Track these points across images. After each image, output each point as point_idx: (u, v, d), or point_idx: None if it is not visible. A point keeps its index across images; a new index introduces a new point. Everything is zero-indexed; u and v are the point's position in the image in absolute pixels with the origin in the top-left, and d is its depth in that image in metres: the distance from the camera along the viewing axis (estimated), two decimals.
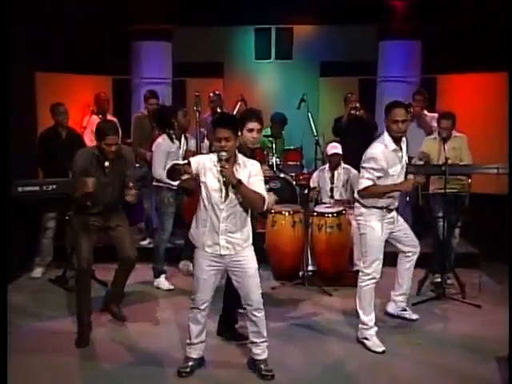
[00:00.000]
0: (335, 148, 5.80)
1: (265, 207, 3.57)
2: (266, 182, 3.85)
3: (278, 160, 6.52)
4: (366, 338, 4.12)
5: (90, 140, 5.85)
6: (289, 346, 4.13)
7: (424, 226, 5.66)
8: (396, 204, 4.20)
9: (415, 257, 4.46)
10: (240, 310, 4.17)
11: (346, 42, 7.96)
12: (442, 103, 7.10)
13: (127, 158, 4.30)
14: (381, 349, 4.03)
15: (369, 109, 6.95)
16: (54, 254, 5.79)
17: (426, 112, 6.27)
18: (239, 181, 3.38)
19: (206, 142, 6.44)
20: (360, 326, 4.17)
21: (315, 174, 6.06)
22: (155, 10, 7.54)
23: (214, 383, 3.69)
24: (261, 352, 3.69)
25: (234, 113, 6.39)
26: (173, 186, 5.27)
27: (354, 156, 4.29)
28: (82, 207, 4.21)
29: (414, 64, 7.64)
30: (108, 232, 4.35)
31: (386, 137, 4.09)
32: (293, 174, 6.44)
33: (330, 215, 5.54)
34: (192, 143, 5.65)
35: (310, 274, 5.57)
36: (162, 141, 5.27)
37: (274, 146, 6.59)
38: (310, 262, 5.62)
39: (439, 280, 5.19)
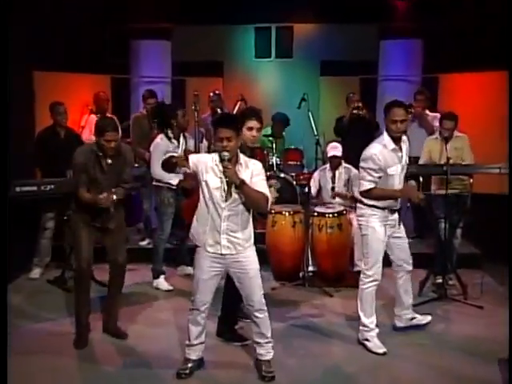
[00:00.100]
0: (335, 149, 5.79)
1: (268, 207, 3.57)
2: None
3: (278, 160, 6.52)
4: (367, 340, 4.11)
5: (88, 139, 5.83)
6: (289, 347, 4.12)
7: (425, 226, 5.66)
8: (398, 205, 4.18)
9: (405, 273, 4.30)
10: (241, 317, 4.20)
11: (347, 41, 7.96)
12: (443, 102, 7.11)
13: (126, 156, 4.28)
14: (382, 350, 4.02)
15: (370, 108, 6.95)
16: (53, 255, 5.79)
17: (427, 112, 6.27)
18: (242, 181, 3.38)
19: (205, 142, 6.43)
20: (361, 327, 4.17)
21: (316, 174, 6.05)
22: (155, 8, 7.55)
23: None
24: (265, 352, 3.69)
25: (234, 112, 6.39)
26: (173, 185, 5.27)
27: (355, 156, 4.29)
28: (82, 208, 4.19)
29: (415, 63, 7.65)
30: (105, 233, 4.32)
31: (386, 137, 4.08)
32: (293, 174, 6.45)
33: (330, 215, 5.54)
34: (191, 143, 5.65)
35: (311, 274, 5.57)
36: (160, 141, 5.26)
37: (274, 145, 6.59)
38: (310, 262, 5.61)
39: (441, 281, 5.18)
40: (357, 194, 4.32)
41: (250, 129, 3.88)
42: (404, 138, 4.17)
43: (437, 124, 5.51)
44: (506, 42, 5.90)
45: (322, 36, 8.28)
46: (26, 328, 4.42)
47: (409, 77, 7.61)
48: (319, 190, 5.99)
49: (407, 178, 4.35)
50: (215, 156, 3.48)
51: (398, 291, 4.38)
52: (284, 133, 7.12)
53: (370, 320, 4.13)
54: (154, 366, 3.83)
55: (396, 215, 4.19)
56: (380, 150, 4.03)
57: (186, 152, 5.33)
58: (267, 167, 5.88)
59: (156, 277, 5.40)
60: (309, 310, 4.93)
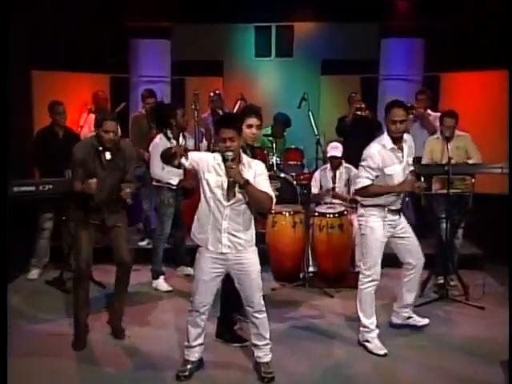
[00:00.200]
0: (335, 150, 5.79)
1: (273, 206, 3.57)
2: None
3: (278, 160, 6.52)
4: (368, 341, 4.11)
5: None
6: (289, 349, 4.12)
7: (426, 226, 5.65)
8: (398, 205, 4.17)
9: (415, 271, 4.29)
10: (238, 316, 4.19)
11: (348, 40, 7.96)
12: (445, 102, 7.11)
13: (126, 152, 4.24)
14: (383, 351, 4.02)
15: (370, 107, 6.93)
16: (51, 255, 5.79)
17: (429, 111, 6.26)
18: (247, 181, 3.38)
19: (205, 141, 6.43)
20: (361, 328, 4.17)
21: (317, 174, 6.05)
22: (154, 7, 7.54)
23: None
24: (263, 355, 3.69)
25: (234, 112, 6.39)
26: (173, 185, 5.27)
27: (357, 156, 4.29)
28: (81, 205, 4.18)
29: (416, 62, 7.65)
30: (106, 232, 4.32)
31: (385, 136, 4.10)
32: (293, 174, 6.44)
33: (331, 215, 5.54)
34: (190, 143, 5.65)
35: (311, 275, 5.56)
36: (159, 141, 5.26)
37: (273, 145, 6.58)
38: (310, 263, 5.61)
39: (442, 281, 5.18)
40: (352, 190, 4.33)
41: (250, 126, 3.88)
42: (406, 137, 4.17)
43: (438, 124, 5.50)
44: (505, 41, 5.89)
45: (322, 35, 8.28)
46: (24, 329, 4.42)
47: (410, 76, 7.61)
48: (320, 190, 5.99)
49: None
50: (217, 155, 3.48)
51: (401, 288, 4.40)
52: (285, 133, 7.11)
53: (370, 321, 4.13)
54: (153, 367, 3.83)
55: (397, 216, 4.18)
56: (378, 149, 4.05)
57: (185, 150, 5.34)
58: (267, 167, 5.87)
59: (155, 277, 5.40)
60: (309, 310, 4.93)
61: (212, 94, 6.89)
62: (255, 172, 3.50)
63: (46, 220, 5.62)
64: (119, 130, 4.18)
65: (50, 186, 5.01)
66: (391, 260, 4.38)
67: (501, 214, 5.33)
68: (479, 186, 5.16)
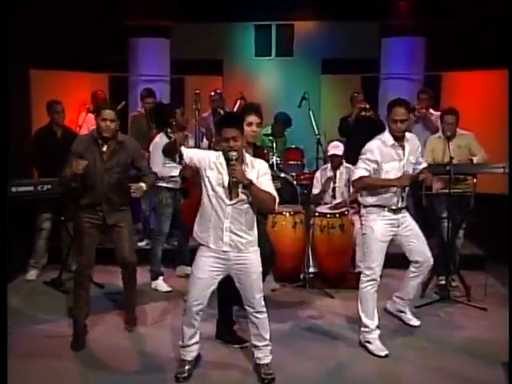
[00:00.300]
0: (336, 148, 5.79)
1: (276, 207, 3.56)
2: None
3: (278, 159, 6.51)
4: (369, 342, 4.11)
5: None
6: (289, 350, 4.11)
7: (428, 226, 5.65)
8: (399, 204, 4.15)
9: (421, 269, 4.32)
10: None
11: (349, 39, 7.96)
12: (446, 101, 7.10)
13: (128, 147, 4.22)
14: (384, 353, 4.02)
15: (372, 107, 6.94)
16: (50, 256, 5.78)
17: (431, 111, 6.26)
18: (250, 181, 3.38)
19: (205, 141, 6.43)
20: (362, 329, 4.16)
21: (318, 174, 6.04)
22: (154, 5, 7.54)
23: None
24: (263, 356, 3.69)
25: (234, 111, 6.39)
26: (174, 176, 5.27)
27: (359, 156, 4.31)
28: (82, 203, 4.17)
29: (417, 61, 7.65)
30: (108, 233, 4.30)
31: (386, 133, 4.12)
32: (293, 174, 6.43)
33: (332, 216, 5.53)
34: (191, 142, 5.65)
35: (312, 275, 5.56)
36: (160, 139, 5.25)
37: (274, 144, 6.58)
38: (311, 263, 5.60)
39: (444, 282, 5.18)
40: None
41: (250, 124, 3.88)
42: (409, 136, 4.17)
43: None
44: (506, 40, 5.89)
45: (323, 34, 8.28)
46: (23, 330, 4.40)
47: (411, 75, 7.61)
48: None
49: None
50: (219, 154, 3.49)
51: (405, 282, 4.44)
52: (286, 133, 7.11)
53: (370, 321, 4.13)
54: (152, 368, 3.83)
55: (399, 215, 4.16)
56: (378, 144, 4.09)
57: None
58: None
59: (154, 278, 5.40)
60: (309, 311, 4.92)
61: (213, 93, 6.89)
62: (258, 172, 3.50)
63: (45, 220, 5.62)
64: (118, 120, 4.15)
65: (49, 186, 5.02)
66: (394, 260, 4.38)
67: (503, 214, 5.33)
68: (481, 186, 5.15)
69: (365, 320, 4.14)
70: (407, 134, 4.18)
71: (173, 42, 7.98)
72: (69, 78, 7.22)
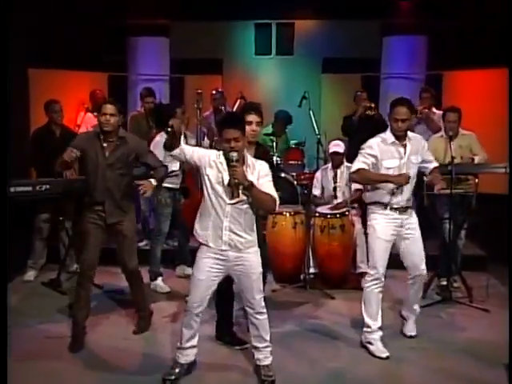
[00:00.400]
0: (337, 146, 5.79)
1: (276, 208, 3.56)
2: None
3: (278, 159, 6.50)
4: (370, 343, 4.09)
5: None
6: (290, 351, 4.11)
7: (429, 227, 5.64)
8: (403, 203, 4.12)
9: (414, 280, 4.21)
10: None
11: (349, 38, 7.96)
12: (448, 100, 7.09)
13: (132, 145, 4.22)
14: (385, 354, 4.00)
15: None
16: (48, 256, 5.77)
17: (434, 110, 6.25)
18: (251, 183, 3.37)
19: (207, 140, 6.42)
20: (364, 329, 4.15)
21: (318, 174, 6.04)
22: (153, 4, 7.53)
23: None
24: (263, 357, 3.68)
25: (234, 110, 6.38)
26: (174, 171, 5.27)
27: None
28: (84, 202, 4.18)
29: (418, 60, 7.65)
30: (112, 234, 4.28)
31: (388, 132, 4.12)
32: (294, 174, 6.42)
33: (332, 216, 5.52)
34: (192, 142, 5.64)
35: (312, 276, 5.55)
36: (160, 138, 5.24)
37: (274, 144, 6.57)
38: (311, 264, 5.60)
39: (445, 283, 5.17)
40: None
41: (250, 123, 3.87)
42: (412, 136, 4.16)
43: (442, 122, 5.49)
44: (506, 39, 5.89)
45: (323, 33, 8.27)
46: (21, 331, 4.39)
47: (412, 74, 7.61)
48: (322, 191, 5.98)
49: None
50: (219, 153, 3.49)
51: (406, 293, 4.38)
52: (287, 131, 7.10)
53: (373, 322, 4.10)
54: (151, 370, 3.80)
55: (404, 215, 4.13)
56: (378, 141, 4.11)
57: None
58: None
59: (153, 279, 5.39)
60: (310, 312, 4.91)
61: (214, 92, 6.89)
62: (259, 173, 3.49)
63: (43, 220, 5.61)
64: (119, 116, 4.16)
65: (47, 186, 5.00)
66: (398, 261, 4.33)
67: (505, 214, 5.32)
68: (483, 186, 5.14)
69: (367, 320, 4.12)
70: (410, 134, 4.17)
71: (172, 41, 7.97)
72: (67, 77, 7.21)
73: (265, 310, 3.63)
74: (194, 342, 3.69)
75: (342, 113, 6.96)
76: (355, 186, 5.60)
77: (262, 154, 4.02)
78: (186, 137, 5.47)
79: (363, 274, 5.43)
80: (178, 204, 5.48)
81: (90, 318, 4.31)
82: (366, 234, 5.37)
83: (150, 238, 5.80)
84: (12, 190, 4.76)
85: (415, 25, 7.49)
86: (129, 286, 4.47)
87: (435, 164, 4.31)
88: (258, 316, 3.60)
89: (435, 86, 6.95)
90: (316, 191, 5.93)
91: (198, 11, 7.75)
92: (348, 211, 5.62)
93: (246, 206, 3.47)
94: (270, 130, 6.77)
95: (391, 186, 4.06)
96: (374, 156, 4.08)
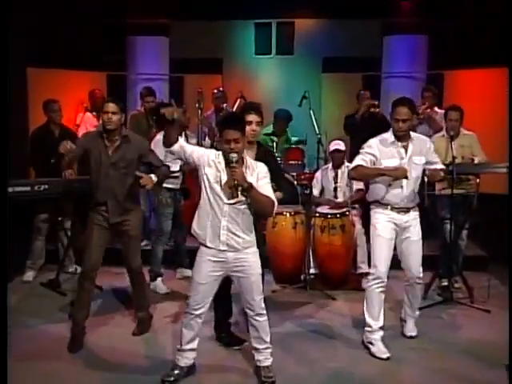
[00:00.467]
0: (338, 144, 5.80)
1: (274, 211, 3.56)
2: None
3: (278, 159, 6.49)
4: (371, 343, 4.09)
5: None
6: (290, 352, 4.10)
7: (430, 227, 5.63)
8: (402, 204, 4.11)
9: (411, 283, 4.20)
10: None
11: (350, 37, 7.95)
12: (449, 100, 7.08)
13: (133, 141, 4.24)
14: (385, 355, 4.00)
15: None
16: (47, 257, 5.77)
17: (436, 109, 6.25)
18: (251, 185, 3.37)
19: (208, 140, 6.42)
20: (365, 328, 4.15)
21: (318, 174, 6.03)
22: (153, 3, 7.53)
23: None
24: (263, 358, 3.67)
25: (234, 110, 6.38)
26: (174, 172, 5.27)
27: None
28: (91, 205, 4.20)
29: (419, 59, 7.64)
30: (117, 234, 4.30)
31: (389, 132, 4.13)
32: (294, 174, 6.41)
33: (332, 216, 5.52)
34: (193, 141, 5.64)
35: (312, 277, 5.55)
36: (160, 137, 5.20)
37: (275, 144, 6.56)
38: (311, 264, 5.60)
39: (446, 284, 5.17)
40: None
41: (250, 123, 3.87)
42: (415, 136, 4.15)
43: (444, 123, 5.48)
44: (506, 38, 5.88)
45: (323, 32, 8.26)
46: (20, 332, 4.39)
47: (413, 73, 7.59)
48: (321, 191, 5.98)
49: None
50: (219, 153, 3.49)
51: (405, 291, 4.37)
52: (287, 130, 7.10)
53: (374, 322, 4.10)
54: (151, 371, 3.80)
55: (404, 216, 4.12)
56: (377, 141, 4.13)
57: None
58: None
59: (153, 279, 5.38)
60: (310, 313, 4.91)
61: (216, 91, 6.90)
62: (258, 175, 3.50)
63: (42, 221, 5.60)
64: (121, 115, 4.19)
65: (46, 186, 5.00)
66: (400, 262, 4.32)
67: (506, 214, 5.30)
68: (484, 186, 5.14)
69: (368, 320, 4.12)
70: (414, 135, 4.17)
71: (172, 41, 7.96)
72: (66, 76, 7.20)
73: (265, 312, 3.62)
74: (194, 344, 3.68)
75: (342, 112, 6.95)
76: (357, 186, 5.60)
77: (263, 153, 4.03)
78: (186, 137, 5.47)
79: (364, 275, 5.46)
80: (178, 204, 5.48)
81: (89, 318, 4.31)
82: (366, 234, 5.40)
83: (151, 238, 5.80)
84: (10, 190, 4.76)
85: (416, 24, 7.48)
86: (131, 286, 4.48)
87: (440, 166, 4.25)
88: (257, 318, 3.60)
89: (436, 85, 6.94)
90: (315, 191, 5.92)
91: (198, 10, 7.74)
92: (348, 211, 5.62)
93: (244, 205, 3.46)
94: (270, 129, 6.76)
95: (387, 178, 4.05)
96: (373, 155, 4.08)
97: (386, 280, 4.09)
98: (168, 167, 4.47)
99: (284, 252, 5.55)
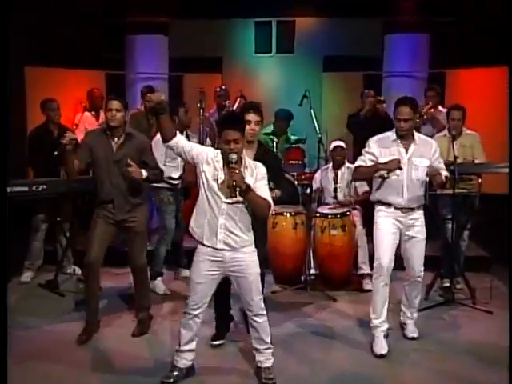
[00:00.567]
0: (339, 142, 5.81)
1: (269, 214, 3.59)
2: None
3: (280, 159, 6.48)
4: (372, 338, 4.12)
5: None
6: (291, 353, 4.11)
7: (431, 228, 5.63)
8: (403, 203, 4.12)
9: (411, 282, 4.24)
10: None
11: (351, 36, 7.94)
12: (451, 99, 7.07)
13: (137, 139, 4.29)
14: (380, 352, 4.02)
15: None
16: (45, 257, 5.76)
17: (440, 108, 6.25)
18: (249, 186, 3.38)
19: (208, 140, 6.41)
20: (370, 324, 4.18)
21: (317, 174, 6.03)
22: (152, 2, 7.52)
23: None
24: (264, 360, 3.68)
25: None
26: (173, 179, 5.27)
27: None
28: (97, 203, 4.24)
29: (421, 58, 7.63)
30: (124, 231, 4.35)
31: (393, 130, 4.15)
32: (294, 174, 6.41)
33: (333, 216, 5.52)
34: (194, 141, 5.63)
35: (313, 277, 5.56)
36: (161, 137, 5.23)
37: (275, 144, 6.56)
38: (312, 265, 5.60)
39: (448, 284, 5.17)
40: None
41: (248, 122, 3.89)
42: (419, 139, 4.15)
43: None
44: (506, 38, 5.89)
45: (324, 30, 8.25)
46: (19, 333, 4.39)
47: (414, 73, 7.59)
48: (321, 191, 5.98)
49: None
50: (218, 152, 3.50)
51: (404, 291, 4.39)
52: (288, 129, 7.10)
53: (375, 316, 4.14)
54: (150, 372, 3.81)
55: (407, 215, 4.13)
56: (377, 139, 4.17)
57: None
58: None
59: (154, 278, 5.36)
60: (311, 314, 4.91)
61: (218, 89, 6.92)
62: (256, 175, 3.51)
63: (40, 221, 5.60)
64: (125, 112, 4.24)
65: (44, 187, 5.00)
66: (402, 262, 4.32)
67: (508, 214, 5.31)
68: (486, 186, 5.14)
69: (370, 315, 4.16)
70: (419, 136, 4.18)
71: (171, 39, 7.96)
72: (64, 75, 7.20)
73: (264, 312, 3.63)
74: (193, 345, 3.69)
75: (343, 111, 6.95)
76: (363, 188, 5.59)
77: (262, 153, 4.03)
78: (188, 136, 5.47)
79: (365, 276, 5.47)
80: (179, 204, 5.49)
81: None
82: (367, 234, 5.40)
83: (150, 239, 5.79)
84: (9, 189, 4.76)
85: (417, 22, 7.48)
86: (134, 285, 4.50)
87: (445, 173, 4.21)
88: (257, 318, 3.60)
89: (438, 84, 6.94)
90: (314, 192, 5.91)
91: (198, 9, 7.73)
92: (349, 211, 5.62)
93: (242, 204, 3.48)
94: (270, 129, 6.76)
95: (382, 172, 4.08)
96: (373, 154, 4.13)
97: (388, 273, 4.09)
98: (161, 172, 4.49)
99: (284, 252, 5.55)
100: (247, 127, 3.87)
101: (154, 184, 5.29)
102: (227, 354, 4.10)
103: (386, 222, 4.13)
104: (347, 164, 5.87)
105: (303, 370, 3.88)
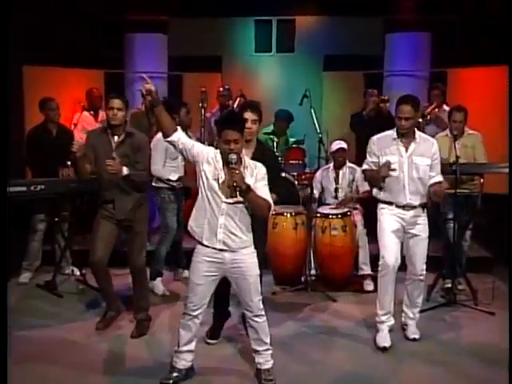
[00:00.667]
0: (341, 144, 5.80)
1: (269, 215, 3.60)
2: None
3: (279, 158, 6.48)
4: (377, 331, 4.16)
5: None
6: (291, 354, 4.11)
7: (433, 228, 5.63)
8: (404, 202, 4.14)
9: (412, 281, 4.26)
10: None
11: (351, 35, 7.94)
12: (452, 98, 7.07)
13: (137, 137, 4.30)
14: (383, 345, 4.08)
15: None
16: (43, 258, 5.76)
17: (445, 107, 6.25)
18: (249, 187, 3.38)
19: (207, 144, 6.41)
20: (376, 319, 4.21)
21: (318, 174, 6.03)
22: (151, 0, 7.52)
23: None
24: (263, 361, 3.68)
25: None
26: (172, 181, 5.27)
27: None
28: (99, 202, 4.27)
29: (422, 57, 7.63)
30: (125, 231, 4.37)
31: (394, 129, 4.17)
32: (295, 174, 6.42)
33: (334, 217, 5.52)
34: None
35: (313, 278, 5.56)
36: (161, 137, 5.22)
37: (274, 144, 6.56)
38: (312, 265, 5.60)
39: (450, 285, 5.16)
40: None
41: (245, 120, 3.88)
42: (420, 138, 4.16)
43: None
44: (506, 37, 5.89)
45: (325, 29, 8.25)
46: (17, 334, 4.38)
47: (415, 72, 7.59)
48: (321, 191, 5.98)
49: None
50: (218, 151, 3.50)
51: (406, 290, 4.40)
52: (288, 130, 7.10)
53: (380, 310, 4.18)
54: (149, 373, 3.80)
55: (409, 213, 4.15)
56: (378, 138, 4.21)
57: None
58: None
59: (153, 278, 5.35)
60: (311, 315, 4.91)
61: (221, 88, 6.99)
62: (256, 176, 3.52)
63: (39, 221, 5.59)
64: (126, 111, 4.26)
65: (43, 187, 4.99)
66: (404, 263, 4.32)
67: (508, 215, 5.31)
68: (488, 186, 5.14)
69: (377, 311, 4.20)
70: (421, 135, 4.20)
71: (170, 38, 7.96)
72: (63, 74, 7.20)
73: (263, 313, 3.63)
74: (192, 346, 3.69)
75: (343, 111, 6.95)
76: (364, 187, 5.58)
77: (261, 152, 4.03)
78: (189, 137, 5.46)
79: (365, 276, 5.47)
80: (180, 204, 5.49)
81: (87, 320, 4.35)
82: (368, 234, 5.40)
83: (151, 239, 5.79)
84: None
85: (418, 21, 7.48)
86: (132, 285, 4.51)
87: (440, 178, 4.23)
88: (256, 319, 3.60)
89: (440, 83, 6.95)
90: (315, 192, 5.91)
91: (197, 7, 7.74)
92: (350, 211, 5.61)
93: (242, 204, 3.48)
94: (270, 129, 6.77)
95: (395, 185, 4.13)
96: (374, 153, 4.20)
97: (392, 268, 4.10)
98: (146, 176, 4.46)
99: (284, 253, 5.55)
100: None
101: (155, 184, 5.33)
102: (227, 354, 4.11)
103: (389, 220, 4.18)
104: (348, 164, 5.87)
105: (303, 371, 3.88)
